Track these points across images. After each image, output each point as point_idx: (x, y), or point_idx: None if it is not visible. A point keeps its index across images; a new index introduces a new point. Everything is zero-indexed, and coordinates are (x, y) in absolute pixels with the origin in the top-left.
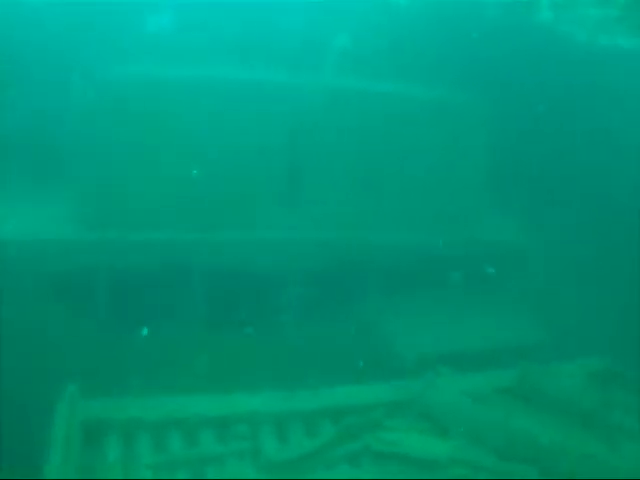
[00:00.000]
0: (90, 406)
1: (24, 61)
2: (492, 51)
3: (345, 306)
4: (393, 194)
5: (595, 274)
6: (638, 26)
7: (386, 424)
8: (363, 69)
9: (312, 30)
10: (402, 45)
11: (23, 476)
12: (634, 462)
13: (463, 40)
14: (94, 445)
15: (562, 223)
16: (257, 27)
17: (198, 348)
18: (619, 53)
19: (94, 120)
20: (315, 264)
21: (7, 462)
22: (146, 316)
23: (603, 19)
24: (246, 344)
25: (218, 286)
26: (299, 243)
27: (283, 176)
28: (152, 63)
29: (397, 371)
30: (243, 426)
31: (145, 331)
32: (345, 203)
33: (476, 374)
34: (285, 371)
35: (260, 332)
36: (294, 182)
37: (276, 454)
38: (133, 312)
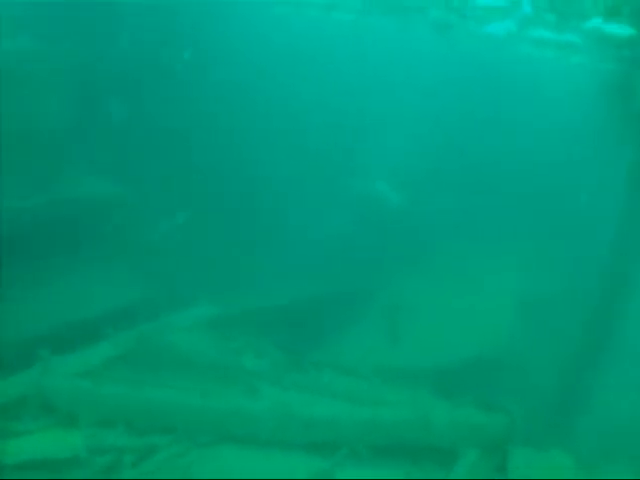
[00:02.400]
0: None
1: None
2: None
3: None
4: None
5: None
6: None
7: (11, 428)
8: None
9: None
10: None
11: None
12: (276, 406)
13: None
14: None
15: (160, 173)
16: None
17: None
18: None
19: None
20: None
21: None
22: None
23: None
24: None
25: None
26: None
27: None
28: None
29: (4, 364)
30: None
31: None
32: None
33: (89, 349)
34: None
35: None
36: None
37: None
38: None
